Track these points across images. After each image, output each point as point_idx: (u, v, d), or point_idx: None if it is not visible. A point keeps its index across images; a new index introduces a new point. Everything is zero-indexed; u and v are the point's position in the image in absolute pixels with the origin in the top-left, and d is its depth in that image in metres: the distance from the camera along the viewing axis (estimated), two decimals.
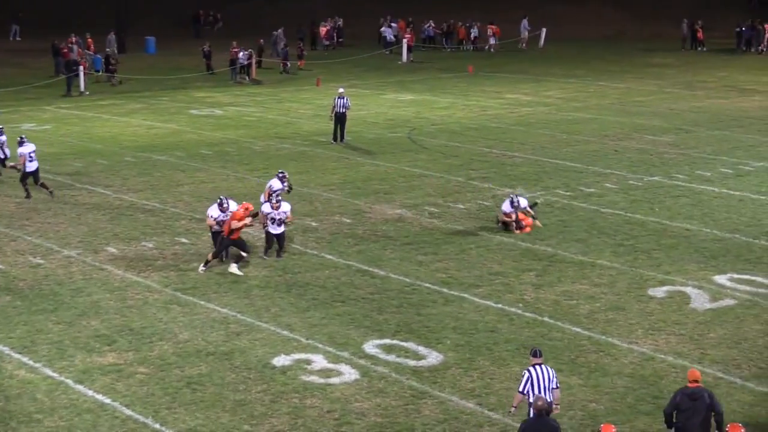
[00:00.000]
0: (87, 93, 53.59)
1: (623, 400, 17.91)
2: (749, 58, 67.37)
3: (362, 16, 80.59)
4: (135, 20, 73.73)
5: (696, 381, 15.13)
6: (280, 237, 25.64)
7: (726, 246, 26.31)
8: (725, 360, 19.45)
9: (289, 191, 28.01)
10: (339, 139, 39.13)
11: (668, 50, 70.78)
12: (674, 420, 15.14)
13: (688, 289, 23.21)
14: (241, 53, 59.45)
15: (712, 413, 14.91)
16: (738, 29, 71.40)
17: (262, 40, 64.39)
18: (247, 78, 59.01)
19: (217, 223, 25.05)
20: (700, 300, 22.54)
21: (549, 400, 15.13)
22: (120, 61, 60.02)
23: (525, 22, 74.29)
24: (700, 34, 71.56)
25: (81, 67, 54.72)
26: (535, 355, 15.99)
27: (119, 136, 41.75)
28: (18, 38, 77.97)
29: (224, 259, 24.99)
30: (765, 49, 69.11)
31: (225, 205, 25.06)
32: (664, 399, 17.67)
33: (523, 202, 27.68)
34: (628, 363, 19.41)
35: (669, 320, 21.43)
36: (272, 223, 25.51)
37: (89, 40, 63.83)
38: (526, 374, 15.74)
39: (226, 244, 24.65)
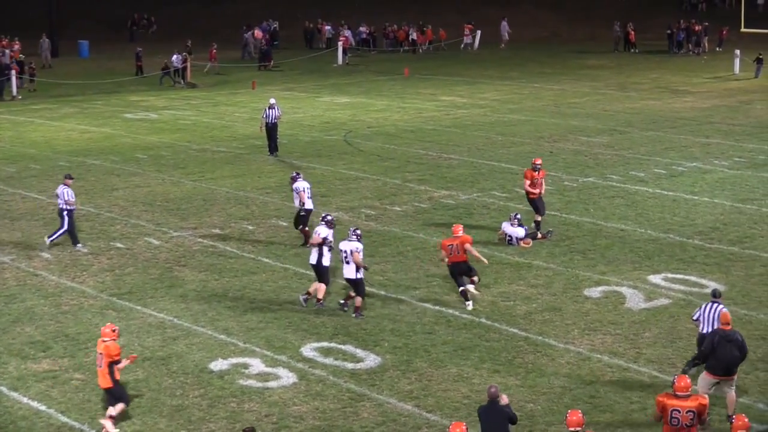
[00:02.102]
0: (20, 97, 53.03)
1: (560, 400, 18.01)
2: (680, 59, 68.03)
3: (298, 19, 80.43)
4: (68, 24, 73.03)
5: (728, 323, 17.29)
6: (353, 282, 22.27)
7: (660, 246, 26.56)
8: (660, 359, 19.63)
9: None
10: (273, 150, 38.08)
11: (601, 52, 71.32)
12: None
13: (623, 289, 23.39)
14: (175, 57, 59.12)
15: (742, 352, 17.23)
16: (669, 31, 72.08)
17: (189, 42, 63.44)
18: (182, 82, 58.68)
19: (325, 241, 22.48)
20: (635, 300, 22.73)
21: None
22: (38, 67, 59.44)
23: (504, 23, 75.11)
24: (632, 36, 72.21)
25: (13, 72, 54.13)
26: (714, 295, 18.62)
27: (53, 140, 41.37)
28: None
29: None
30: (704, 51, 69.75)
31: (331, 220, 22.93)
32: (600, 398, 17.87)
33: (518, 232, 26.88)
34: (564, 363, 19.53)
35: (605, 320, 21.59)
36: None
37: (12, 44, 63.23)
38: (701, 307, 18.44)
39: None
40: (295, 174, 27.40)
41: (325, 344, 20.41)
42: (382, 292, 23.32)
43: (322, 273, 22.53)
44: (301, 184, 26.81)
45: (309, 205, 26.79)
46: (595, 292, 23.29)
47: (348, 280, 22.10)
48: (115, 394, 17.16)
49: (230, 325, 21.36)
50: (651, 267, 24.91)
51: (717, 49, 70.07)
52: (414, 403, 17.97)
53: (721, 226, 28.26)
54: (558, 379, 18.84)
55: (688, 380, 15.27)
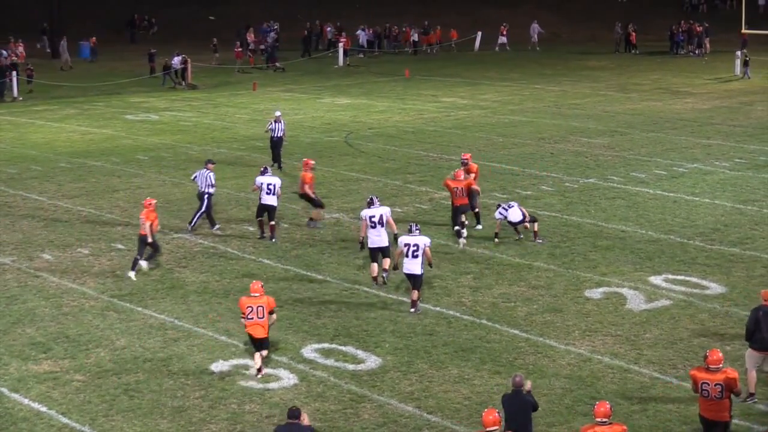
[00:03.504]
0: (21, 99, 53.05)
1: (561, 401, 18.01)
2: (681, 60, 68.05)
3: (298, 21, 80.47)
4: (69, 25, 72.99)
5: None
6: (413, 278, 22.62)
7: (661, 247, 26.55)
8: (661, 360, 19.62)
9: None
10: (276, 160, 37.11)
11: (602, 53, 71.34)
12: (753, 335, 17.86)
13: (624, 291, 23.39)
14: (175, 58, 59.16)
15: None
16: (670, 32, 72.07)
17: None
18: (183, 83, 58.70)
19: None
20: (636, 301, 22.73)
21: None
22: (57, 69, 59.54)
23: (535, 25, 75.46)
24: (632, 37, 72.23)
25: (14, 72, 54.16)
26: None
27: (54, 141, 41.40)
28: None
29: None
30: (705, 53, 69.71)
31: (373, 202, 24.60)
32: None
33: (514, 215, 26.81)
34: (565, 364, 19.53)
35: (605, 321, 21.59)
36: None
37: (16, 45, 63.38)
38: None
39: None
40: (263, 168, 28.11)
41: (326, 345, 20.41)
42: (383, 293, 23.32)
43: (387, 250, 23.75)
44: (264, 179, 27.25)
45: (266, 200, 27.24)
46: (596, 293, 23.29)
47: (411, 275, 22.32)
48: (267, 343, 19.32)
49: (231, 327, 21.36)
50: (652, 268, 24.91)
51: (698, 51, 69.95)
52: (415, 404, 17.97)
53: (722, 227, 28.26)
54: (559, 380, 18.84)
55: (720, 354, 15.75)
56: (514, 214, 26.75)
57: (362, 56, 71.36)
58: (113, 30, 78.98)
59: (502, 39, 74.08)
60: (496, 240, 26.92)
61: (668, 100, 51.16)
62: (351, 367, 19.49)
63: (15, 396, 18.34)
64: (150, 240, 24.47)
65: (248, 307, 19.08)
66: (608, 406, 14.50)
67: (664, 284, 23.79)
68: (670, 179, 33.81)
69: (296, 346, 20.38)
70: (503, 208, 27.04)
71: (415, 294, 22.28)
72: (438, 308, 22.37)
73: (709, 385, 15.58)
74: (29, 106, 50.69)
